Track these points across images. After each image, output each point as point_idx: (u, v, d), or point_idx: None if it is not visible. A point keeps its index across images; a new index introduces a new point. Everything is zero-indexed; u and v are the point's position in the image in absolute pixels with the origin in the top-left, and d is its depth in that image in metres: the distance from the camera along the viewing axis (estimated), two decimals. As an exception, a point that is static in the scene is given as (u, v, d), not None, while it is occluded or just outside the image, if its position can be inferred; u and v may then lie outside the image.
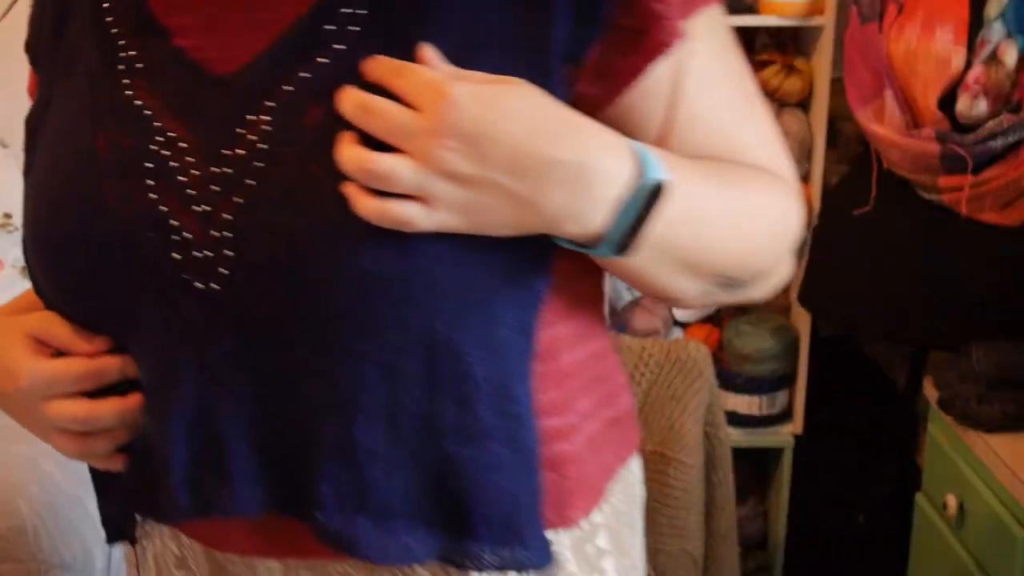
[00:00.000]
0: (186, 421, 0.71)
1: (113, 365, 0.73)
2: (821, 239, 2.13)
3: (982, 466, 1.70)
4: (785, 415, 2.37)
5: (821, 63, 2.15)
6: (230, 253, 0.67)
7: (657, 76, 0.70)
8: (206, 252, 0.68)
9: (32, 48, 0.82)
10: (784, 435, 2.36)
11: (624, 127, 0.70)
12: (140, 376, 0.73)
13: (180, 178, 0.69)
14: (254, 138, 0.68)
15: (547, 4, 0.66)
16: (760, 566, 2.42)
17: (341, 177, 0.64)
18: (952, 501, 1.78)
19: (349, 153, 0.63)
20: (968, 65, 1.75)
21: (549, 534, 0.75)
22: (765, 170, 0.76)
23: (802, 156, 2.19)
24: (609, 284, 2.33)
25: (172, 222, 0.69)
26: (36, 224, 0.75)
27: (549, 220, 0.65)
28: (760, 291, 0.79)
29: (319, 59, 0.67)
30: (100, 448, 0.75)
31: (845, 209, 2.02)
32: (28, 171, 0.78)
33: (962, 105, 1.75)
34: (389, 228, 0.63)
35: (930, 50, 1.76)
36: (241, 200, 0.67)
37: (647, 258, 0.68)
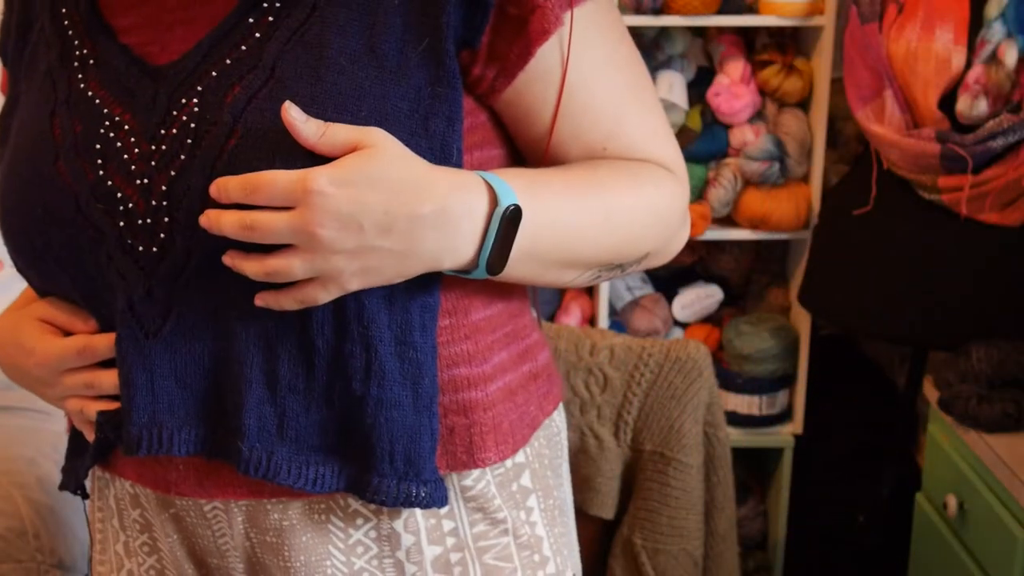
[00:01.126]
0: (140, 370, 0.81)
1: (102, 342, 0.83)
2: (821, 239, 2.13)
3: (982, 466, 1.70)
4: (785, 415, 2.37)
5: (821, 63, 2.15)
6: (166, 219, 0.78)
7: (546, 62, 0.81)
8: (147, 220, 0.79)
9: (3, 49, 0.92)
10: (784, 435, 2.36)
11: (521, 112, 0.83)
12: (106, 327, 0.84)
13: (124, 156, 0.80)
14: (185, 118, 0.78)
15: None
16: (760, 566, 2.42)
17: (253, 147, 0.75)
18: (952, 501, 1.78)
19: (250, 263, 0.74)
20: (968, 65, 1.75)
21: (466, 473, 0.85)
22: (640, 162, 0.85)
23: (802, 156, 2.18)
24: (608, 285, 2.33)
25: (118, 194, 0.79)
26: (5, 205, 0.85)
27: (428, 262, 0.75)
28: (657, 262, 0.90)
29: (242, 47, 0.79)
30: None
31: (845, 209, 2.02)
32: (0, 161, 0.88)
33: (962, 105, 1.75)
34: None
35: (930, 50, 1.76)
36: (173, 172, 0.78)
37: (522, 268, 0.79)
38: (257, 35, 0.79)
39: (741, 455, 2.32)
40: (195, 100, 0.78)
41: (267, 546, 0.86)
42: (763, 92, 2.20)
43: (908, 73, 1.79)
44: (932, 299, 1.90)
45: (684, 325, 2.40)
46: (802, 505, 2.38)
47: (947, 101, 1.77)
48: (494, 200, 0.75)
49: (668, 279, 2.39)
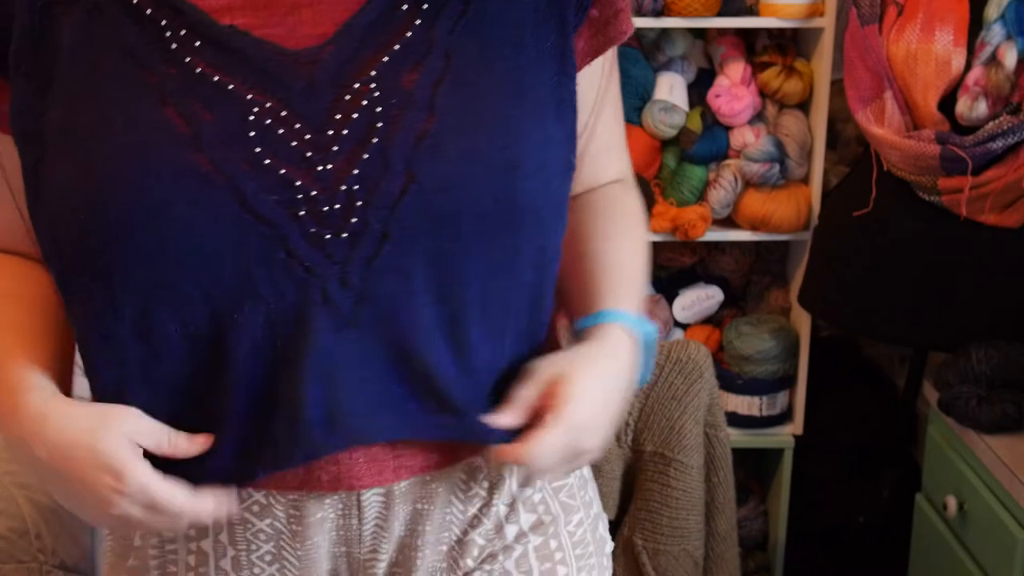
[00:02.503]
0: (320, 362, 0.77)
1: (202, 513, 0.78)
2: (821, 240, 2.14)
3: (982, 467, 1.71)
4: (785, 416, 2.38)
5: (821, 65, 2.15)
6: (359, 203, 0.76)
7: (597, 67, 0.91)
8: (334, 206, 0.76)
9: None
10: (784, 435, 2.36)
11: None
12: (248, 335, 0.77)
13: (292, 144, 0.76)
14: (365, 102, 0.77)
15: None
16: (760, 566, 2.42)
17: (454, 128, 0.77)
18: (952, 501, 1.78)
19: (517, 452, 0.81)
20: (968, 67, 1.75)
21: None
22: (626, 202, 0.98)
23: (802, 157, 2.19)
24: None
25: (296, 183, 0.75)
26: (111, 202, 0.74)
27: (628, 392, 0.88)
28: None
29: (406, 32, 0.79)
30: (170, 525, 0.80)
31: (845, 210, 2.02)
32: (37, 162, 0.79)
33: (962, 107, 1.75)
34: (504, 177, 0.78)
35: (930, 52, 1.76)
36: (367, 155, 0.76)
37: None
38: (418, 22, 0.79)
39: (741, 456, 2.32)
40: (372, 85, 0.77)
41: (419, 516, 0.87)
42: (763, 94, 2.20)
43: (908, 75, 1.79)
44: (932, 300, 1.90)
45: (684, 326, 2.40)
46: (802, 505, 2.38)
47: (947, 103, 1.77)
48: (638, 340, 0.88)
49: (668, 280, 2.40)
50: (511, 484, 0.91)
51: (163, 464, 0.78)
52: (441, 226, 0.77)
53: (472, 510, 0.90)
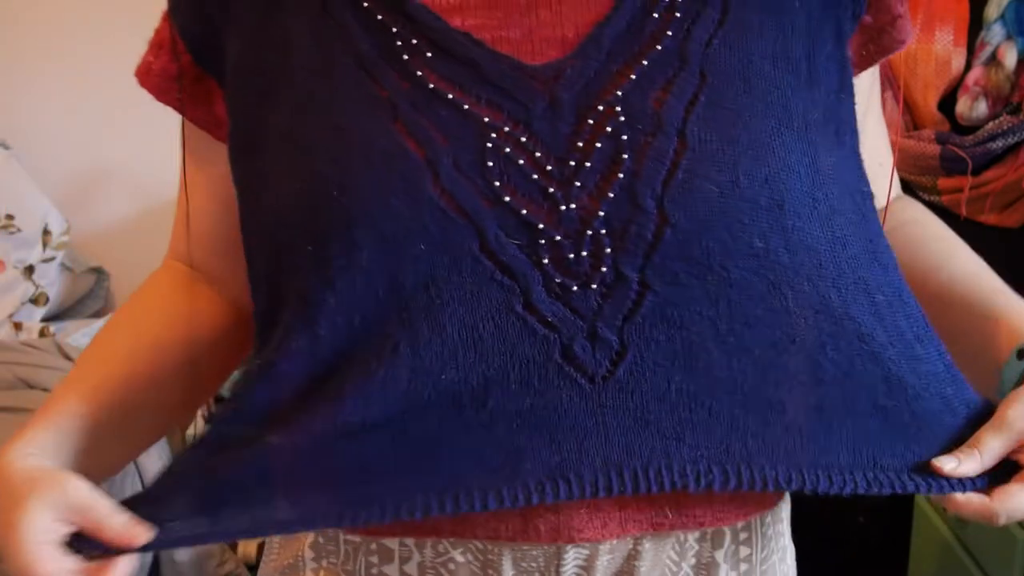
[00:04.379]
0: (587, 416, 0.67)
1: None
2: (821, 240, 2.14)
3: (982, 467, 1.71)
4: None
5: (821, 64, 2.15)
6: (608, 249, 0.67)
7: (864, 81, 0.81)
8: (581, 252, 0.67)
9: (199, 42, 0.77)
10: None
11: None
12: (463, 392, 0.67)
13: (533, 176, 0.67)
14: (609, 128, 0.67)
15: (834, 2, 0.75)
16: (760, 566, 2.42)
17: (710, 161, 0.67)
18: (952, 502, 1.78)
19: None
20: (968, 67, 1.75)
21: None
22: (915, 205, 0.92)
23: (802, 157, 2.19)
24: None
25: (539, 225, 0.67)
26: (335, 232, 0.67)
27: None
28: None
29: (656, 45, 0.69)
30: None
31: (845, 210, 2.03)
32: (256, 169, 0.72)
33: (962, 107, 1.76)
34: (768, 216, 0.68)
35: (930, 51, 1.76)
36: (611, 194, 0.67)
37: None
38: (669, 33, 0.70)
39: (741, 456, 2.31)
40: (617, 107, 0.67)
41: None
42: (763, 93, 2.20)
43: (908, 74, 1.79)
44: (932, 300, 1.91)
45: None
46: (802, 505, 2.38)
47: (947, 102, 1.78)
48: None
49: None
50: (721, 566, 0.79)
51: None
52: (710, 270, 0.67)
53: None
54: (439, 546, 0.74)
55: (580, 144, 0.67)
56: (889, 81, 1.83)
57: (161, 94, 0.81)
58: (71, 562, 0.65)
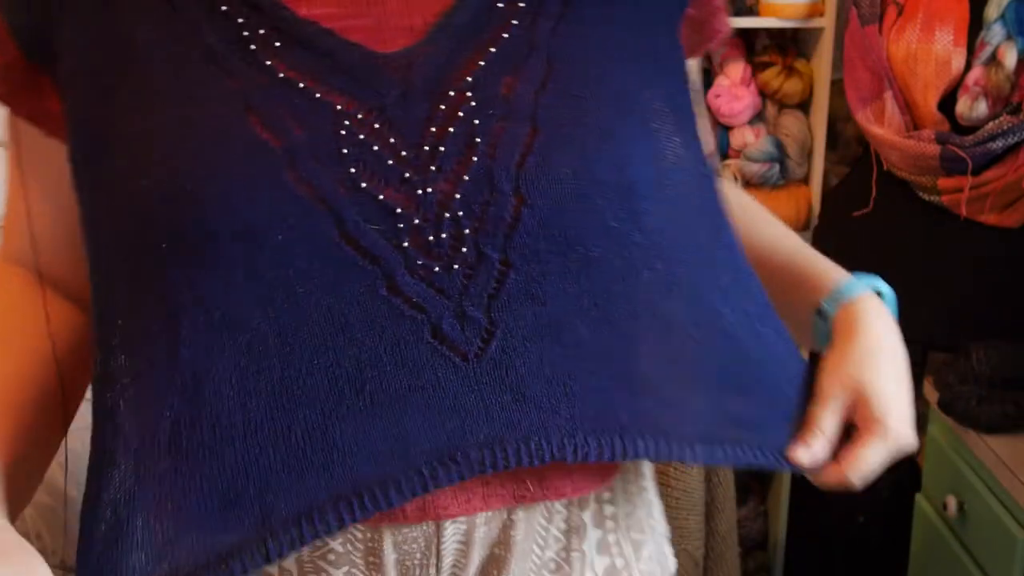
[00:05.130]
0: (468, 393, 0.68)
1: None
2: (821, 240, 2.14)
3: (982, 467, 1.71)
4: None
5: (821, 65, 2.15)
6: (467, 231, 0.68)
7: (693, 63, 0.82)
8: (440, 234, 0.68)
9: (28, 37, 0.73)
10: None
11: None
12: (330, 377, 0.67)
13: (389, 162, 0.68)
14: (461, 113, 0.69)
15: None
16: (760, 566, 2.42)
17: (560, 144, 0.69)
18: (952, 501, 1.78)
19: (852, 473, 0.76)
20: (968, 67, 1.75)
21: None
22: (734, 187, 0.92)
23: (802, 157, 2.19)
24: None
25: (397, 210, 0.67)
26: (193, 224, 0.66)
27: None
28: None
29: (503, 33, 0.71)
30: None
31: (845, 210, 2.02)
32: (102, 166, 0.70)
33: (962, 107, 1.75)
34: (622, 193, 0.70)
35: (930, 52, 1.76)
36: (467, 177, 0.68)
37: None
38: (515, 21, 0.71)
39: (741, 456, 2.31)
40: (468, 92, 0.69)
41: (495, 564, 0.77)
42: (763, 94, 2.20)
43: (908, 75, 1.79)
44: (932, 300, 1.90)
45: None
46: (802, 505, 2.38)
47: (947, 103, 1.78)
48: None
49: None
50: (588, 527, 0.80)
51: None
52: (570, 248, 0.69)
53: (549, 554, 0.79)
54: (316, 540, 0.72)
55: (433, 129, 0.68)
56: (889, 81, 1.83)
57: None
58: None
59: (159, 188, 0.67)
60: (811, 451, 0.75)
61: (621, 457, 0.68)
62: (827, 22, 2.10)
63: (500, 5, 0.72)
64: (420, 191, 0.67)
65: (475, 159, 0.68)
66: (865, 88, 1.87)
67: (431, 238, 0.68)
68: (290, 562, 0.75)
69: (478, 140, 0.68)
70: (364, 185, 0.67)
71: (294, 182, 0.66)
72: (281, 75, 0.68)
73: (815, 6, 2.09)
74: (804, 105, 2.22)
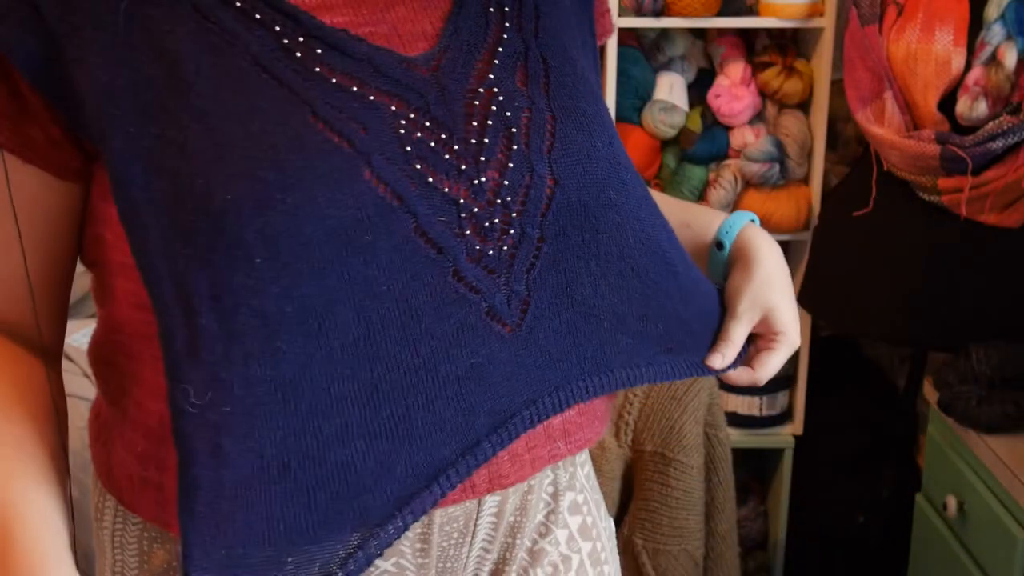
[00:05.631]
0: (509, 362, 0.76)
1: None
2: (821, 240, 2.14)
3: (982, 467, 1.71)
4: (785, 416, 2.38)
5: (821, 65, 2.15)
6: (513, 214, 0.75)
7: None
8: (494, 220, 0.74)
9: (31, 60, 0.70)
10: (784, 435, 2.36)
11: None
12: (403, 364, 0.71)
13: (445, 156, 0.73)
14: (494, 108, 0.76)
15: None
16: (760, 566, 2.43)
17: (572, 127, 0.78)
18: (952, 502, 1.78)
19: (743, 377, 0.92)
20: (968, 67, 1.75)
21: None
22: None
23: (802, 157, 2.19)
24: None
25: (460, 200, 0.73)
26: (283, 234, 0.66)
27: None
28: None
29: (503, 35, 0.80)
30: None
31: (845, 210, 2.02)
32: (152, 184, 0.68)
33: (962, 107, 1.75)
34: (613, 170, 0.80)
35: (930, 52, 1.76)
36: (512, 164, 0.75)
37: None
38: (507, 24, 0.80)
39: (741, 456, 2.32)
40: (494, 88, 0.76)
41: (514, 530, 0.88)
42: (763, 94, 2.20)
43: (908, 75, 1.79)
44: (932, 300, 1.90)
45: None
46: (802, 505, 2.38)
47: (947, 103, 1.78)
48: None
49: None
50: (569, 487, 0.92)
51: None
52: (586, 219, 0.78)
53: (540, 517, 0.90)
54: None
55: (475, 124, 0.75)
56: (889, 81, 1.83)
57: None
58: None
59: (248, 200, 0.66)
60: (724, 359, 0.88)
61: (620, 386, 0.81)
62: (827, 22, 2.10)
63: (491, 9, 0.80)
64: (475, 181, 0.74)
65: (514, 147, 0.75)
66: (865, 88, 1.87)
67: (486, 224, 0.74)
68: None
69: (513, 131, 0.76)
70: (431, 180, 0.72)
71: (373, 182, 0.69)
72: (333, 80, 0.70)
73: (815, 6, 2.09)
74: (804, 105, 2.22)
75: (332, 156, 0.68)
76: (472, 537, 0.84)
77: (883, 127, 1.85)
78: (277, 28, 0.70)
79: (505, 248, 0.75)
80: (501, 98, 0.76)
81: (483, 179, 0.74)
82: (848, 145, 2.42)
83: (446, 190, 0.72)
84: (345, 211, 0.67)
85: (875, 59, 1.83)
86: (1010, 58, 1.72)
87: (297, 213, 0.66)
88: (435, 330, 0.72)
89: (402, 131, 0.71)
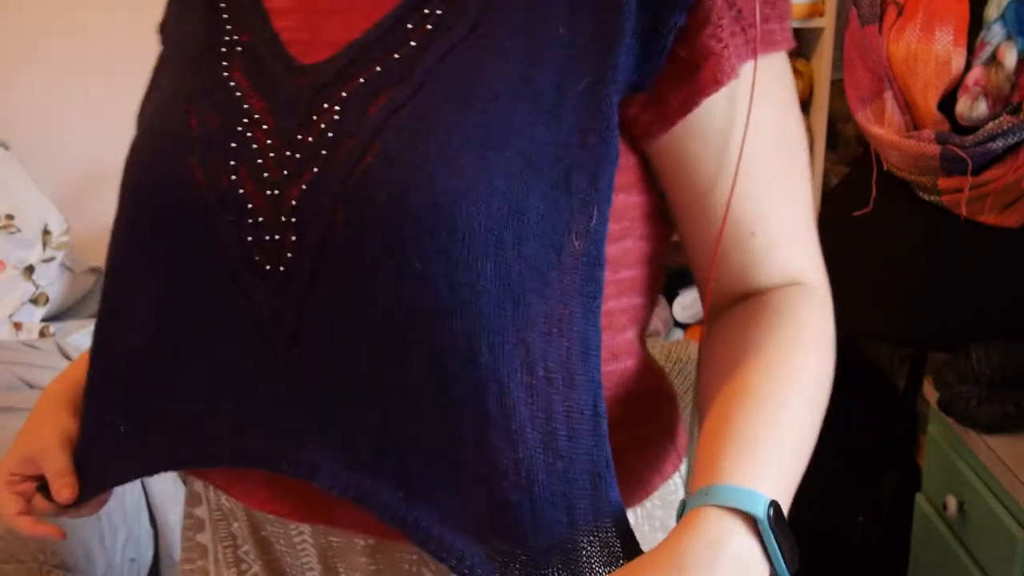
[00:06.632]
0: (266, 386, 0.74)
1: (52, 535, 0.89)
2: (821, 240, 2.14)
3: (982, 467, 1.71)
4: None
5: (821, 65, 2.15)
6: (293, 237, 0.70)
7: (710, 116, 0.70)
8: (275, 236, 0.71)
9: (163, 27, 0.88)
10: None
11: (674, 163, 0.72)
12: (201, 342, 0.77)
13: (258, 160, 0.72)
14: (323, 126, 0.70)
15: (614, 30, 0.67)
16: (760, 566, 2.42)
17: (386, 171, 0.66)
18: (952, 502, 1.78)
19: None
20: (968, 67, 1.75)
21: None
22: (791, 324, 0.74)
23: (802, 157, 2.19)
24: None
25: (248, 205, 0.72)
26: (126, 195, 0.78)
27: None
28: None
29: (394, 54, 0.71)
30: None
31: (845, 210, 2.02)
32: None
33: (962, 107, 1.75)
34: (437, 235, 0.65)
35: (930, 52, 1.76)
36: (304, 186, 0.70)
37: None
38: (412, 43, 0.70)
39: (741, 456, 2.31)
40: (337, 107, 0.71)
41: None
42: (763, 93, 2.20)
43: (908, 74, 1.79)
44: (932, 300, 1.90)
45: (684, 326, 2.40)
46: (802, 505, 2.38)
47: (947, 103, 1.77)
48: (747, 516, 0.66)
49: (668, 280, 2.40)
50: None
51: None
52: (371, 277, 0.67)
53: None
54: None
55: (299, 137, 0.71)
56: (889, 81, 1.83)
57: None
58: (15, 503, 0.88)
59: (127, 163, 0.78)
60: None
61: (362, 502, 0.70)
62: (827, 22, 2.10)
63: (409, 26, 0.71)
64: (271, 191, 0.71)
65: (315, 169, 0.70)
66: (865, 88, 1.87)
67: (267, 237, 0.72)
68: (203, 510, 0.90)
69: (324, 152, 0.70)
70: (234, 178, 0.72)
71: (191, 167, 0.73)
72: (225, 74, 0.76)
73: (815, 6, 2.09)
74: (804, 105, 2.23)
75: (174, 139, 0.75)
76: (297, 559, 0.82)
77: (883, 127, 1.85)
78: (229, 26, 0.78)
79: (283, 269, 0.71)
80: (336, 118, 0.70)
81: (278, 192, 0.71)
82: (848, 145, 2.42)
83: (240, 191, 0.72)
84: (164, 191, 0.75)
85: (875, 59, 1.83)
86: (1010, 58, 1.72)
87: (136, 178, 0.78)
88: (199, 318, 0.76)
89: (239, 127, 0.73)
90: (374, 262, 0.66)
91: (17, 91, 2.68)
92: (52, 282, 2.49)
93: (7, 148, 2.60)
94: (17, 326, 2.37)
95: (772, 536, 0.66)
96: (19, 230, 2.44)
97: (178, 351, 0.77)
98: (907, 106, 1.82)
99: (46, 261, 2.47)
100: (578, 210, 0.67)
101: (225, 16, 0.79)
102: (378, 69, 0.70)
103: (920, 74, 1.78)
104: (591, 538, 0.68)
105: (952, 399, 1.76)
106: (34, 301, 2.42)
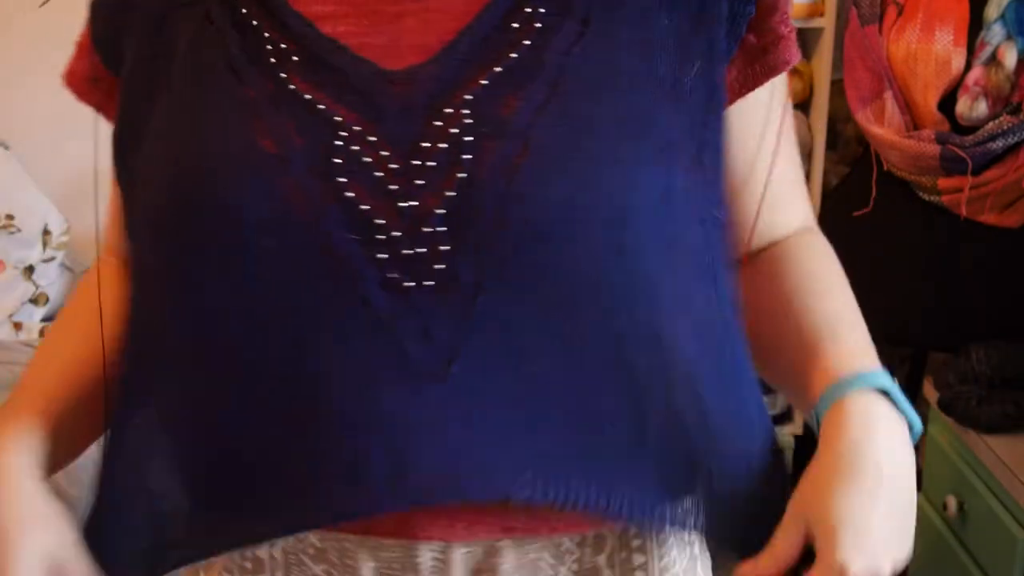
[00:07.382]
0: (389, 422, 0.67)
1: None
2: (821, 240, 2.14)
3: (982, 467, 1.71)
4: (785, 416, 2.38)
5: (821, 65, 2.15)
6: (445, 248, 0.66)
7: (757, 100, 0.79)
8: (416, 249, 0.66)
9: (106, 47, 0.81)
10: (784, 435, 2.36)
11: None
12: (302, 386, 0.69)
13: (376, 174, 0.67)
14: (455, 130, 0.67)
15: (712, 15, 0.74)
16: (760, 567, 2.42)
17: (549, 166, 0.66)
18: (952, 501, 1.78)
19: None
20: (968, 67, 1.75)
21: None
22: (815, 244, 0.89)
23: (802, 157, 2.19)
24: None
25: (376, 220, 0.67)
26: (179, 239, 0.69)
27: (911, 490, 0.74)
28: None
29: (511, 54, 0.69)
30: None
31: (845, 210, 2.02)
32: (134, 162, 0.75)
33: (962, 106, 1.75)
34: (611, 226, 0.67)
35: (930, 52, 1.76)
36: (452, 192, 0.66)
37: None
38: (527, 42, 0.69)
39: (741, 456, 2.32)
40: (465, 110, 0.68)
41: None
42: (763, 93, 2.20)
43: (908, 74, 1.79)
44: (932, 300, 1.90)
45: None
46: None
47: (947, 102, 1.77)
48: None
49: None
50: (604, 570, 0.78)
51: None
52: (543, 279, 0.66)
53: None
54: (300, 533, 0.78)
55: (425, 144, 0.67)
56: (889, 81, 1.83)
57: (82, 95, 0.86)
58: None
59: (169, 189, 0.70)
60: (757, 569, 0.73)
61: (562, 502, 0.68)
62: (827, 22, 2.10)
63: (515, 25, 0.70)
64: (401, 203, 0.67)
65: (460, 175, 0.66)
66: (865, 88, 1.87)
67: (407, 252, 0.66)
68: (278, 550, 0.80)
69: (465, 157, 0.67)
70: (349, 194, 0.67)
71: (285, 188, 0.67)
72: (292, 87, 0.69)
73: (815, 6, 2.09)
74: (804, 105, 2.23)
75: (251, 158, 0.68)
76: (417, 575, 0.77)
77: (883, 127, 1.85)
78: (267, 35, 0.72)
79: (430, 284, 0.67)
80: (468, 121, 0.67)
81: (412, 203, 0.67)
82: (848, 145, 2.42)
83: (363, 207, 0.67)
84: (247, 214, 0.67)
85: (875, 59, 1.83)
86: (1010, 58, 1.71)
87: (203, 208, 0.69)
88: (334, 356, 0.67)
89: (338, 142, 0.68)
90: (548, 262, 0.66)
91: (17, 91, 2.68)
92: (52, 282, 2.49)
93: (7, 148, 2.60)
94: (17, 326, 2.37)
95: (903, 397, 0.75)
96: (19, 230, 2.44)
97: (294, 405, 0.68)
98: (907, 106, 1.82)
99: (46, 261, 2.47)
100: (712, 184, 0.73)
101: (255, 23, 0.72)
102: (497, 69, 0.69)
103: (920, 74, 1.78)
104: (763, 473, 0.79)
105: (952, 399, 1.76)
106: (34, 301, 2.42)
